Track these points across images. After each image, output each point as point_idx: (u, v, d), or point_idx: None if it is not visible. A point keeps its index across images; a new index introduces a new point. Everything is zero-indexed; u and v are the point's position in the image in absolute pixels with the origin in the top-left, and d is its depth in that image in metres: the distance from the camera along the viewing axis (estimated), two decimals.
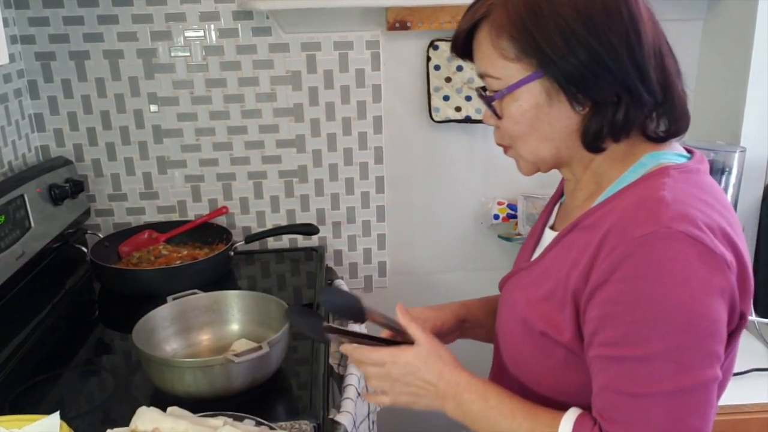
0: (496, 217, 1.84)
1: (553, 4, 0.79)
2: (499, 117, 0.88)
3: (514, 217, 1.83)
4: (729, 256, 0.76)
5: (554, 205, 1.03)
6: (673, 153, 0.86)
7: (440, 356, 0.91)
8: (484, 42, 0.85)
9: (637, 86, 0.80)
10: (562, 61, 0.79)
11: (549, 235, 0.95)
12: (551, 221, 1.00)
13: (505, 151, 0.93)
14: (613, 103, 0.81)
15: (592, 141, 0.84)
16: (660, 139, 0.86)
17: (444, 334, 1.07)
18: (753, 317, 1.58)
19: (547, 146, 0.87)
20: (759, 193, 1.67)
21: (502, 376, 0.97)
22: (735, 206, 1.52)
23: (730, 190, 1.50)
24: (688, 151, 0.90)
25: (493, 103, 0.88)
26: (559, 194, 1.03)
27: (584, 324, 0.81)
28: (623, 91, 0.80)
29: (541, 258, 0.92)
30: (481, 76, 0.88)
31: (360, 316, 0.98)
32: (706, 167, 0.87)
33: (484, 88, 0.90)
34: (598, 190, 0.88)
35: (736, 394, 1.39)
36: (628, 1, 0.80)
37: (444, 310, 1.09)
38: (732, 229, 0.79)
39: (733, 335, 0.81)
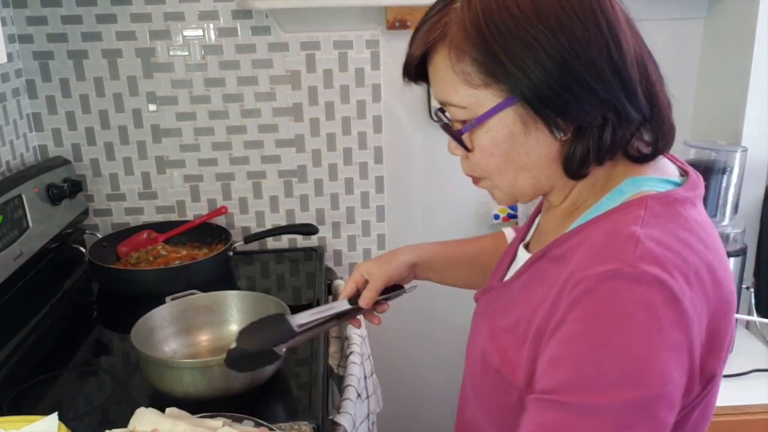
0: (497, 217, 1.84)
1: (519, 19, 0.68)
2: (468, 150, 0.78)
3: (515, 217, 1.83)
4: (699, 308, 0.67)
5: (533, 219, 0.95)
6: (657, 179, 0.76)
7: None
8: (442, 67, 0.75)
9: (623, 104, 0.71)
10: (535, 84, 0.69)
11: (522, 256, 0.88)
12: (527, 238, 0.92)
13: (476, 183, 0.83)
14: (599, 124, 0.72)
15: (577, 168, 0.75)
16: (643, 159, 0.76)
17: (395, 283, 1.07)
18: (754, 317, 1.58)
19: (524, 177, 0.78)
20: (760, 192, 1.67)
21: (466, 400, 0.93)
22: (736, 206, 1.52)
23: (732, 190, 1.50)
24: (685, 170, 0.81)
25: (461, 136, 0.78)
26: (539, 210, 0.95)
27: (537, 367, 0.72)
28: (609, 112, 0.71)
29: (512, 282, 0.84)
30: (442, 104, 0.78)
31: (290, 332, 0.97)
32: (699, 193, 0.77)
33: (442, 110, 0.79)
34: (572, 216, 0.80)
35: (736, 394, 1.39)
36: (603, 7, 0.70)
37: (391, 263, 1.06)
38: (713, 273, 0.70)
39: (700, 400, 0.72)
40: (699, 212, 0.75)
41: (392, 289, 1.05)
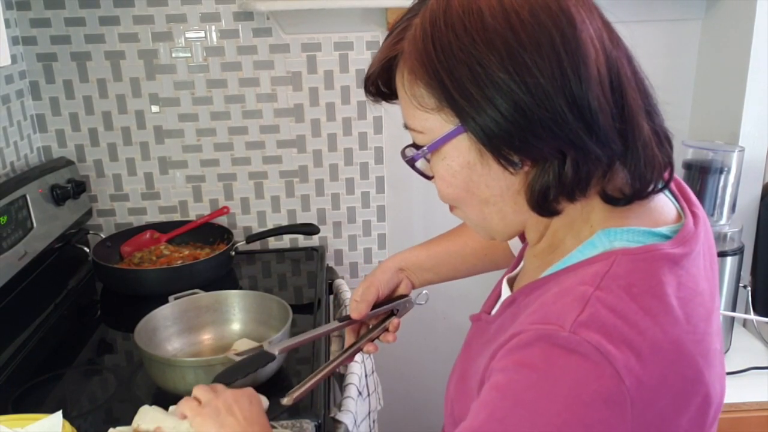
0: None
1: (464, 40, 0.61)
2: (428, 177, 0.73)
3: None
4: (653, 386, 0.58)
5: (523, 252, 0.86)
6: (637, 230, 0.66)
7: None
8: (400, 88, 0.69)
9: (582, 140, 0.61)
10: (480, 116, 0.61)
11: (504, 292, 0.83)
12: (515, 272, 0.86)
13: (451, 210, 0.77)
14: (558, 159, 0.63)
15: (540, 203, 0.66)
16: (620, 202, 0.66)
17: (390, 293, 1.02)
18: (751, 315, 1.59)
19: (490, 211, 0.70)
20: (757, 192, 1.68)
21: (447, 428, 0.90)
22: (734, 206, 1.53)
23: (729, 190, 1.51)
24: (690, 211, 0.71)
25: (418, 163, 0.72)
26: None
27: None
28: (566, 146, 0.62)
29: (493, 321, 0.79)
30: (407, 128, 0.72)
31: (269, 357, 0.95)
32: (689, 251, 0.66)
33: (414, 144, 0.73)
34: (551, 257, 0.72)
35: (733, 392, 1.40)
36: (561, 24, 0.60)
37: (375, 273, 1.02)
38: (680, 349, 0.61)
39: None
40: (687, 272, 0.65)
41: (394, 300, 1.01)
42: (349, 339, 1.02)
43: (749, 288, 1.64)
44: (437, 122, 0.66)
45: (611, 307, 0.59)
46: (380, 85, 0.73)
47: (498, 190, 0.68)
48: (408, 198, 1.85)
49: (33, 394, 1.18)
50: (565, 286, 0.64)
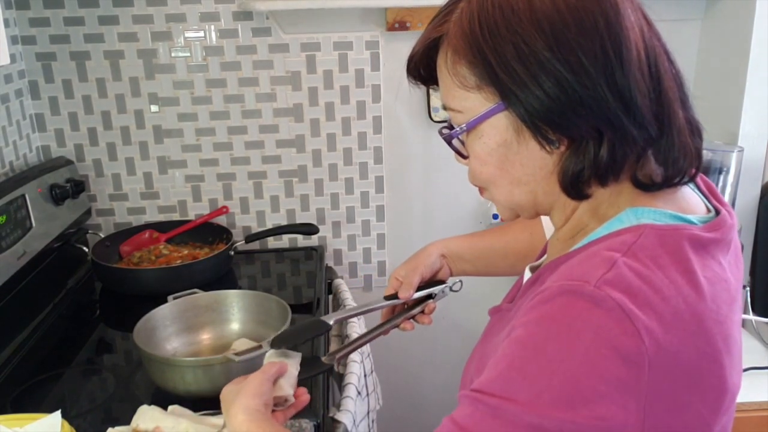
0: (495, 216, 1.85)
1: (512, 20, 0.64)
2: (464, 156, 0.76)
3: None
4: (671, 353, 0.59)
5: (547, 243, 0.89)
6: (665, 212, 0.67)
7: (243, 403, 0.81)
8: (442, 68, 0.72)
9: (620, 119, 0.63)
10: (524, 92, 0.64)
11: (526, 278, 0.84)
12: (539, 261, 0.88)
13: (481, 193, 0.80)
14: (595, 139, 0.65)
15: (572, 185, 0.68)
16: (651, 187, 0.68)
17: (431, 277, 1.07)
18: (750, 316, 1.59)
19: (522, 191, 0.73)
20: (756, 192, 1.68)
21: None
22: (733, 206, 1.53)
23: (728, 190, 1.51)
24: (717, 210, 0.71)
25: (454, 142, 0.75)
26: None
27: None
28: (604, 126, 0.64)
29: (514, 304, 0.80)
30: (445, 108, 0.74)
31: (325, 326, 0.97)
32: (721, 238, 0.67)
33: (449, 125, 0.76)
34: (573, 241, 0.74)
35: None
36: (606, 9, 0.63)
37: (418, 257, 1.07)
38: (701, 323, 0.61)
39: None
40: (713, 257, 0.66)
41: (433, 285, 1.05)
42: (385, 316, 1.06)
43: (748, 288, 1.64)
44: (477, 101, 0.69)
45: (637, 272, 0.60)
46: (421, 69, 0.76)
47: (531, 169, 0.70)
48: (407, 198, 1.85)
49: (32, 394, 1.18)
50: (592, 250, 0.65)
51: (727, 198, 1.51)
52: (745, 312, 1.64)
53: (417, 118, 1.77)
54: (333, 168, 1.80)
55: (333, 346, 1.39)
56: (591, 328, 0.58)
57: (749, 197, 1.67)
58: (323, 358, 0.93)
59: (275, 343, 0.92)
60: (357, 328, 1.36)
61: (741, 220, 1.60)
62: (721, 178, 1.50)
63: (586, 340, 0.58)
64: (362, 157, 1.80)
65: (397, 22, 1.65)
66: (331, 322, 0.97)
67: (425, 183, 1.84)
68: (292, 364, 0.90)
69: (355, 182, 1.82)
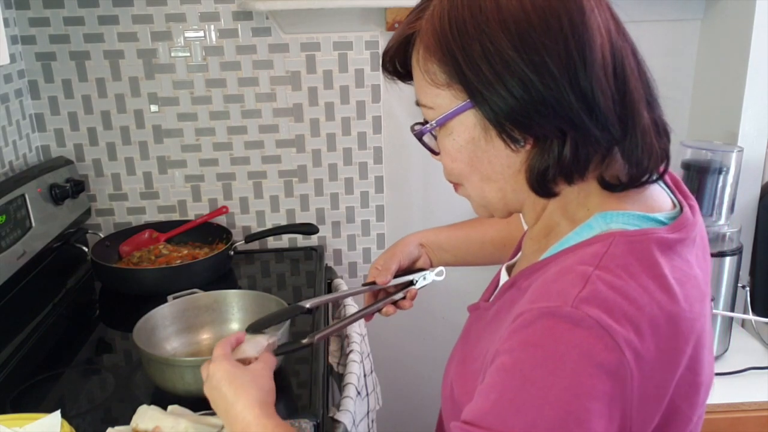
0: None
1: (479, 20, 0.64)
2: (435, 153, 0.78)
3: None
4: (651, 360, 0.61)
5: (522, 240, 0.90)
6: (633, 214, 0.69)
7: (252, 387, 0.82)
8: (414, 65, 0.73)
9: (582, 120, 0.64)
10: (489, 91, 0.65)
11: (503, 278, 0.86)
12: (514, 259, 0.89)
13: (456, 189, 0.81)
14: (559, 139, 0.66)
15: (539, 183, 0.69)
16: (616, 188, 0.70)
17: (410, 265, 1.10)
18: (750, 316, 1.59)
19: (491, 188, 0.74)
20: (756, 192, 1.68)
21: (441, 417, 0.91)
22: (732, 206, 1.53)
23: (728, 190, 1.51)
24: (684, 203, 0.73)
25: (426, 138, 0.76)
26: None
27: None
28: (567, 126, 0.65)
29: (490, 307, 0.82)
30: (418, 105, 0.76)
31: (299, 309, 1.00)
32: (685, 237, 0.69)
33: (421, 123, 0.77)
34: (547, 241, 0.76)
35: (732, 392, 1.40)
36: (571, 9, 0.64)
37: (397, 245, 1.12)
38: (676, 325, 0.63)
39: None
40: (680, 256, 0.67)
41: (413, 272, 1.08)
42: (368, 302, 1.08)
43: (748, 288, 1.64)
44: (447, 98, 0.70)
45: (611, 285, 0.62)
46: (397, 64, 0.77)
47: (499, 167, 0.72)
48: (407, 198, 1.85)
49: (31, 394, 1.18)
50: (565, 265, 0.66)
51: (726, 198, 1.51)
52: (745, 312, 1.64)
53: (417, 118, 1.76)
54: (333, 168, 1.80)
55: (333, 347, 1.39)
56: (574, 349, 0.59)
57: (749, 197, 1.67)
58: (303, 340, 0.94)
59: (251, 329, 0.95)
60: (357, 329, 1.36)
61: (740, 220, 1.61)
62: (721, 178, 1.50)
63: (571, 361, 0.59)
64: (362, 157, 1.80)
65: (397, 22, 1.65)
66: (308, 306, 0.99)
67: (425, 183, 1.84)
68: (265, 338, 0.93)
69: (354, 182, 1.82)
